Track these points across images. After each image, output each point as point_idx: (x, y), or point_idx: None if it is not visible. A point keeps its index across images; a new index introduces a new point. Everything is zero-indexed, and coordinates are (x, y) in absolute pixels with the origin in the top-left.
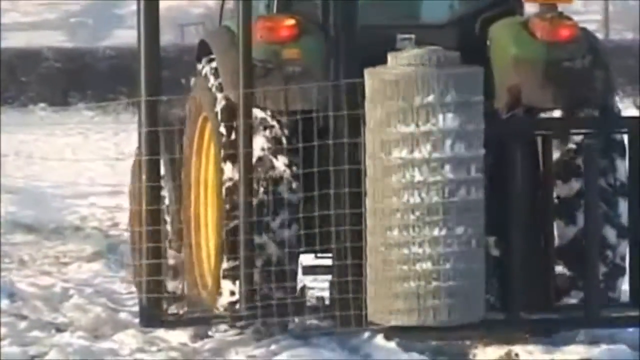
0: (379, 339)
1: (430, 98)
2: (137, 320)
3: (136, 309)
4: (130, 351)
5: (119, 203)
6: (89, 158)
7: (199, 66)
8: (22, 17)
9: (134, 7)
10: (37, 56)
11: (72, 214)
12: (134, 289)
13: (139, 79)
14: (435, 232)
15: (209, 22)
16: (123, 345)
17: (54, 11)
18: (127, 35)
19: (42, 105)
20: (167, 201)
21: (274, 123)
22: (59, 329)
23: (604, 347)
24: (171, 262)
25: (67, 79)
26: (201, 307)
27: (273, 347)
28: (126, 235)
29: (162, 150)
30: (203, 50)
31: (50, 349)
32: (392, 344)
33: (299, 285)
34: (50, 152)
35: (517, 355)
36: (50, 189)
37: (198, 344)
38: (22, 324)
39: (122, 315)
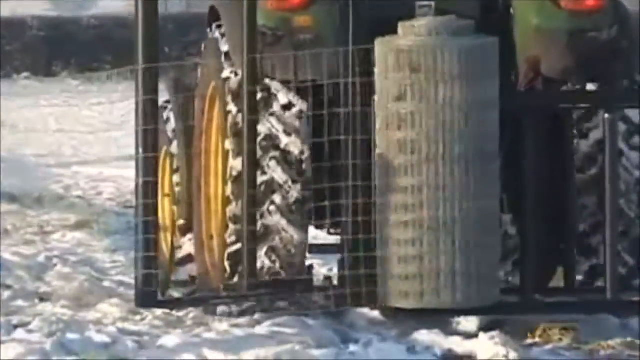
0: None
1: (442, 69)
2: (121, 290)
3: (119, 278)
4: (113, 320)
5: (102, 172)
6: (72, 127)
7: (209, 32)
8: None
9: None
10: (21, 25)
11: (56, 183)
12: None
13: (127, 47)
14: (448, 211)
15: None
16: (107, 315)
17: None
18: (111, 5)
19: (25, 74)
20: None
21: (284, 91)
22: (43, 299)
23: None
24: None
25: (51, 48)
26: (209, 286)
27: (256, 316)
28: (109, 204)
29: (176, 117)
30: (214, 16)
31: (34, 318)
32: (375, 313)
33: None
34: (34, 122)
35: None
36: (33, 158)
37: (182, 313)
38: (6, 294)
39: (106, 284)
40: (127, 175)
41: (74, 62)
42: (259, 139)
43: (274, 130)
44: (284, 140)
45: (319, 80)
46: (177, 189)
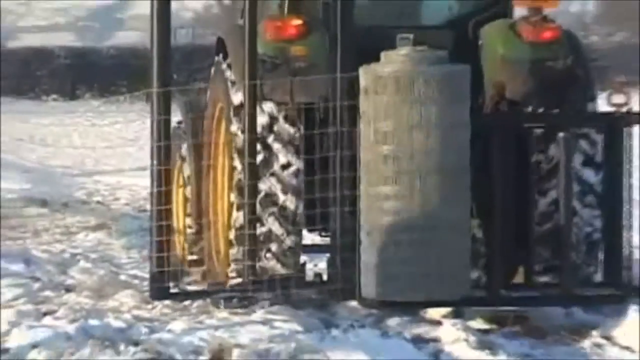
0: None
1: (418, 94)
2: (135, 282)
3: (134, 272)
4: (128, 308)
5: (119, 180)
6: (94, 142)
7: (216, 59)
8: (37, 21)
9: (134, 11)
10: (49, 54)
11: (79, 190)
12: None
13: (141, 73)
14: (424, 218)
15: (198, 26)
16: (123, 304)
17: (65, 15)
18: (127, 37)
19: (53, 96)
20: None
21: (281, 112)
22: (68, 290)
23: None
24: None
25: (76, 74)
26: (215, 279)
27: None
28: (125, 209)
29: (188, 135)
30: (220, 46)
31: (60, 307)
32: (354, 303)
33: (301, 262)
34: (60, 137)
35: None
36: (60, 168)
37: (188, 302)
38: (36, 285)
39: (122, 278)
40: (140, 184)
41: (95, 86)
42: (259, 196)
43: (273, 189)
44: (282, 197)
45: (311, 103)
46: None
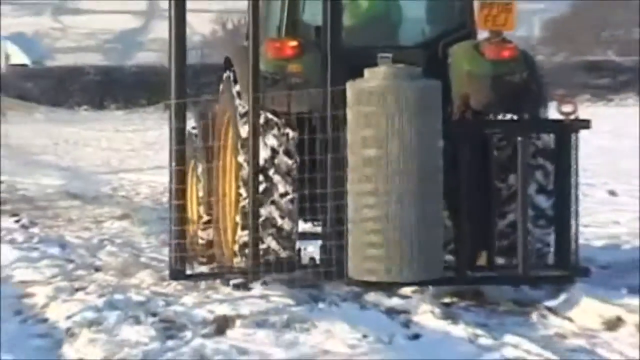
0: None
1: (396, 105)
2: (153, 263)
3: (152, 255)
4: (147, 285)
5: (140, 178)
6: (118, 146)
7: (225, 76)
8: (70, 43)
9: (152, 35)
10: (81, 71)
11: (106, 185)
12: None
13: (159, 88)
14: (401, 210)
15: (205, 47)
16: (143, 281)
17: (93, 39)
18: (147, 57)
19: (84, 107)
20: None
21: (279, 121)
22: (97, 269)
23: None
24: (203, 234)
25: (103, 88)
26: (222, 262)
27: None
28: (145, 201)
29: (200, 138)
30: (228, 64)
31: (90, 284)
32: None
33: (297, 248)
34: (90, 141)
35: None
36: (90, 167)
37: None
38: (70, 266)
39: (143, 260)
40: (158, 181)
41: (119, 99)
42: (260, 219)
43: (272, 215)
44: (279, 221)
45: (305, 112)
46: (200, 193)
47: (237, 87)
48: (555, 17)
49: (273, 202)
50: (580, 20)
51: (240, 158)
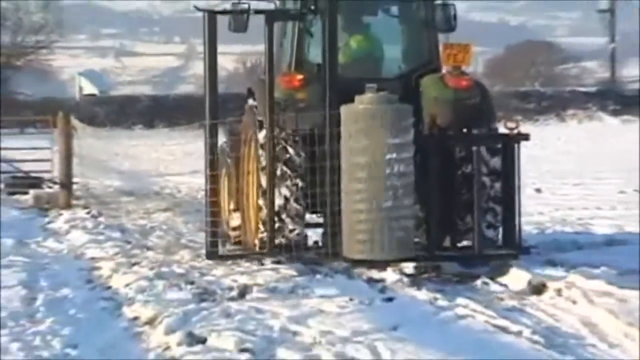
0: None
1: (380, 123)
2: (191, 244)
3: (190, 238)
4: (186, 261)
5: (181, 180)
6: (164, 156)
7: (248, 102)
8: (128, 77)
9: (191, 72)
10: (136, 99)
11: (155, 185)
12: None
13: (196, 111)
14: (382, 203)
15: (230, 80)
16: (183, 258)
17: (145, 74)
18: (186, 88)
19: (139, 126)
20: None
21: (289, 136)
22: (148, 248)
23: None
24: (234, 222)
25: (153, 112)
26: (248, 246)
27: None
28: (184, 197)
29: (228, 148)
30: (250, 92)
31: (143, 260)
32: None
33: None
34: (143, 152)
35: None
36: (142, 171)
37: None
38: (128, 246)
39: (182, 242)
40: (195, 182)
41: (165, 120)
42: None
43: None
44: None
45: (309, 129)
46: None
47: (258, 111)
48: (494, 57)
49: (286, 201)
50: (513, 59)
51: (260, 164)
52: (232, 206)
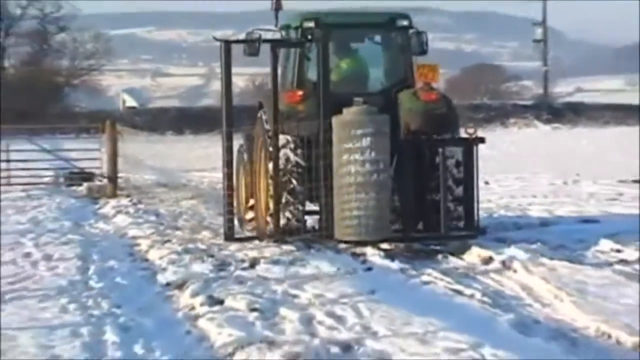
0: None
1: (360, 131)
2: (211, 226)
3: (211, 221)
4: (207, 239)
5: (203, 174)
6: (190, 155)
7: (259, 113)
8: (161, 93)
9: (212, 88)
10: (167, 111)
11: (183, 178)
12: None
13: (216, 120)
14: (366, 195)
15: (242, 95)
16: (205, 237)
17: (175, 91)
18: (207, 102)
19: (170, 132)
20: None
21: (291, 140)
22: (177, 228)
23: None
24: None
25: (181, 121)
26: (261, 230)
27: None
28: (206, 188)
29: (244, 151)
30: (261, 104)
31: (173, 238)
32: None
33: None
34: (173, 153)
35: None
36: (173, 168)
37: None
38: (161, 227)
39: (205, 224)
40: (214, 176)
41: (191, 128)
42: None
43: (288, 197)
44: (292, 159)
45: (307, 135)
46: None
47: (266, 120)
48: (452, 77)
49: (288, 193)
50: (467, 79)
51: (269, 164)
52: (246, 197)
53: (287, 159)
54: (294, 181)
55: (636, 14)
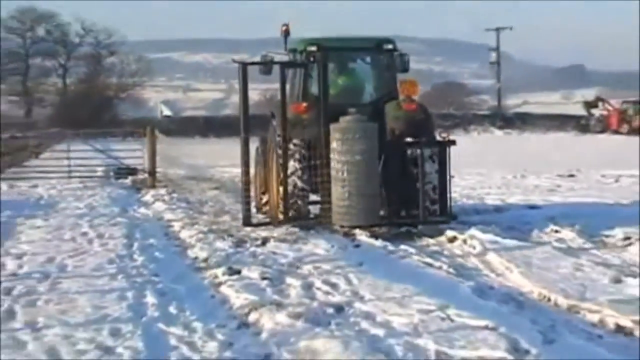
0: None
1: (353, 135)
2: (231, 212)
3: (231, 207)
4: (228, 222)
5: (225, 169)
6: (215, 155)
7: (272, 121)
8: (191, 105)
9: (232, 100)
10: (196, 119)
11: (208, 173)
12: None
13: (234, 127)
14: (357, 187)
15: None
16: (226, 221)
17: (202, 102)
18: (228, 112)
19: (197, 136)
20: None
21: (298, 143)
22: (203, 213)
23: None
24: (263, 204)
25: (207, 127)
26: (273, 216)
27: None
28: (228, 180)
29: (260, 151)
30: (272, 114)
31: (200, 221)
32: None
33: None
34: (200, 153)
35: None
36: (200, 164)
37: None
38: (190, 212)
39: (226, 209)
40: (234, 171)
41: (214, 133)
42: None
43: (294, 189)
44: (298, 158)
45: (311, 139)
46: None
47: (277, 127)
48: (424, 92)
49: (295, 186)
50: (436, 93)
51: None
52: (262, 189)
53: (294, 159)
54: (299, 177)
55: (571, 41)
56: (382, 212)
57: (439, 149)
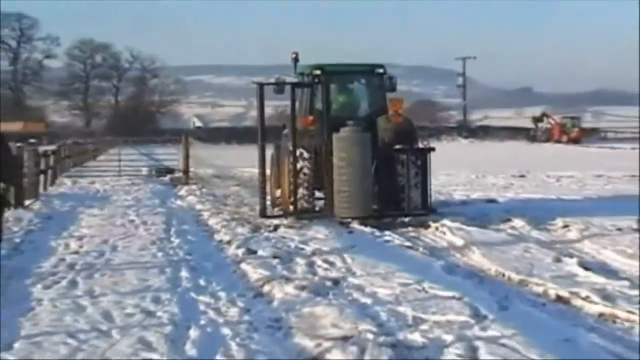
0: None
1: (350, 143)
2: (249, 204)
3: (248, 201)
4: (247, 212)
5: (244, 170)
6: (237, 158)
7: (284, 132)
8: (217, 118)
9: (252, 114)
10: (222, 129)
11: (231, 172)
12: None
13: (253, 136)
14: (354, 186)
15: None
16: (245, 211)
17: (226, 117)
18: (248, 124)
19: (223, 144)
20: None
21: (306, 151)
22: (226, 205)
23: None
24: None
25: (230, 137)
26: (286, 209)
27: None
28: (247, 179)
29: (274, 156)
30: (284, 126)
31: (224, 211)
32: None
33: (313, 203)
34: (224, 157)
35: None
36: (225, 165)
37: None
38: (217, 204)
39: (245, 202)
40: (252, 171)
41: (237, 141)
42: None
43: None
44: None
45: (317, 146)
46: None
47: (289, 137)
48: (405, 108)
49: (303, 185)
50: (414, 110)
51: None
52: (276, 187)
53: (303, 163)
54: (307, 177)
55: (523, 67)
56: (375, 206)
57: (421, 154)
